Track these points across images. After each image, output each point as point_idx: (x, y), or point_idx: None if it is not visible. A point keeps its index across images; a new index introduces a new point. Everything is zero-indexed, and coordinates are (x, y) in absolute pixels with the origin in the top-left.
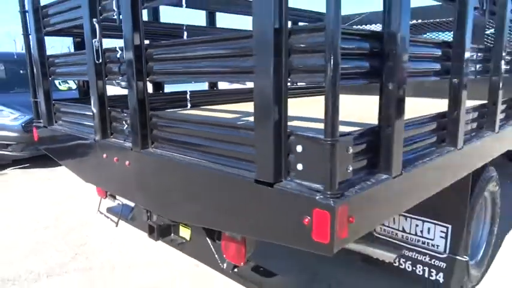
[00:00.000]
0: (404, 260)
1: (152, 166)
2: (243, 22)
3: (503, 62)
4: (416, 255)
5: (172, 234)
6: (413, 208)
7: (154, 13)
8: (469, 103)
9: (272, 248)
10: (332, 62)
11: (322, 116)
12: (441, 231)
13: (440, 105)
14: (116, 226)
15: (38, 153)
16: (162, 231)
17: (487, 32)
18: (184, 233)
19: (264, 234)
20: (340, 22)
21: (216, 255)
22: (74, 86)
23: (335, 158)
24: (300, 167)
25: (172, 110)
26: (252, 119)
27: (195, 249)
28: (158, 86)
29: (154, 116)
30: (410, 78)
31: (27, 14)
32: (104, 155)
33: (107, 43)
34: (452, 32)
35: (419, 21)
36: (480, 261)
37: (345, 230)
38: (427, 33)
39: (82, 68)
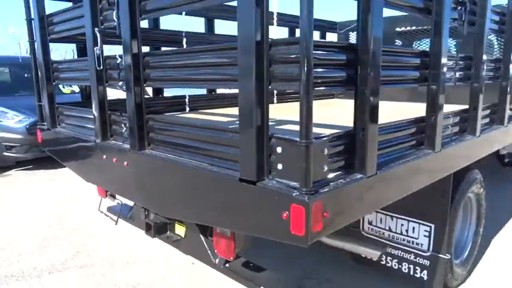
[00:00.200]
0: (390, 258)
1: (148, 166)
2: None
3: (483, 69)
4: (402, 253)
5: (168, 232)
6: (399, 208)
7: (155, 20)
8: (453, 107)
9: (264, 248)
10: (305, 72)
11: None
12: (425, 231)
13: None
14: (116, 224)
15: (41, 155)
16: (158, 229)
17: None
18: (180, 230)
19: (248, 228)
20: (313, 36)
21: (209, 251)
22: (77, 89)
23: (309, 159)
24: (280, 166)
25: (171, 113)
26: None
27: (190, 245)
28: (158, 91)
29: (151, 119)
30: (387, 85)
31: (33, 21)
32: (104, 156)
33: (109, 47)
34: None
35: (414, 28)
36: (465, 260)
37: (319, 224)
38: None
39: (84, 73)
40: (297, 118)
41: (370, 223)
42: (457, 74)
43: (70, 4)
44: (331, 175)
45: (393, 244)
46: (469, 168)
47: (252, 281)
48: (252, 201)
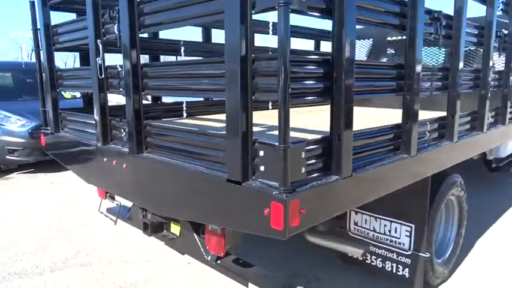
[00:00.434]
0: (375, 257)
1: (146, 169)
2: None
3: (460, 79)
4: (386, 252)
5: (164, 231)
6: (382, 209)
7: None
8: (434, 114)
9: (255, 248)
10: (282, 84)
11: (300, 125)
12: (406, 231)
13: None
14: (115, 224)
15: (43, 158)
16: (155, 228)
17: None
18: (175, 229)
19: (235, 224)
20: (289, 53)
21: (202, 249)
22: (78, 95)
23: (287, 161)
24: (262, 168)
25: (169, 119)
26: None
27: (184, 243)
28: (156, 97)
29: (148, 125)
30: (363, 95)
31: (38, 31)
32: (104, 159)
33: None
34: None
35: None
36: (448, 260)
37: (297, 219)
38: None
39: (87, 81)
40: (295, 123)
41: (356, 224)
42: (434, 84)
43: (74, 15)
44: (309, 176)
45: (377, 244)
46: (449, 171)
47: (242, 276)
48: (238, 199)
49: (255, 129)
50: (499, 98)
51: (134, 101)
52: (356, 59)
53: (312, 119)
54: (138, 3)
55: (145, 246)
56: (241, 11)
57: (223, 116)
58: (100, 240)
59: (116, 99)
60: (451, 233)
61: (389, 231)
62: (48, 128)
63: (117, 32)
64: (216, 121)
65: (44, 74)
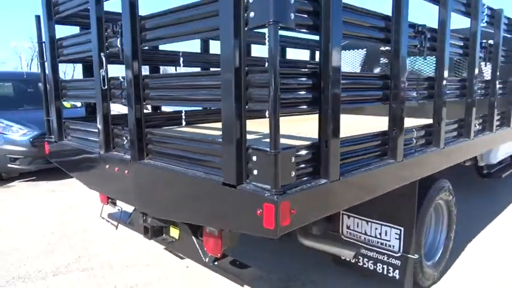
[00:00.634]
0: (367, 259)
1: (147, 174)
2: None
3: (445, 88)
4: (377, 255)
5: (164, 234)
6: (373, 213)
7: None
8: (421, 121)
9: (251, 252)
10: (272, 94)
11: (294, 132)
12: (395, 233)
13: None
14: (116, 229)
15: (44, 166)
16: (155, 232)
17: None
18: (174, 233)
19: (230, 225)
20: (278, 66)
21: (200, 251)
22: (78, 104)
23: (278, 165)
24: (255, 172)
25: (168, 127)
26: None
27: (183, 246)
28: (156, 107)
29: (149, 133)
30: (350, 104)
31: (44, 44)
32: (107, 166)
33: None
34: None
35: None
36: (437, 262)
37: (287, 219)
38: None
39: (90, 92)
40: (289, 130)
41: (348, 228)
42: (420, 93)
43: (77, 28)
44: (298, 179)
45: (369, 246)
46: (437, 177)
47: (238, 276)
48: (233, 201)
49: (251, 136)
50: (487, 106)
51: (136, 110)
52: (345, 70)
53: (306, 127)
54: (139, 19)
55: (145, 251)
56: (235, 27)
57: (220, 124)
58: (101, 245)
59: (116, 108)
60: (441, 237)
61: (380, 234)
62: (52, 136)
63: (119, 46)
64: (213, 129)
65: (48, 85)
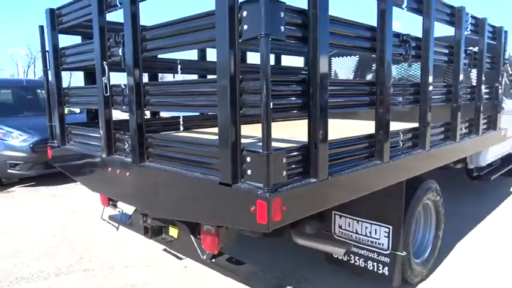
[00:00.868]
0: (358, 257)
1: (148, 176)
2: None
3: (430, 93)
4: (367, 253)
5: (163, 234)
6: (364, 213)
7: None
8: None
9: (246, 251)
10: (264, 100)
11: (287, 136)
12: (385, 232)
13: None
14: (117, 230)
15: (44, 172)
16: (154, 232)
17: None
18: (173, 232)
19: (227, 221)
20: (269, 74)
21: (198, 249)
22: (77, 111)
23: (270, 165)
24: (249, 172)
25: (167, 132)
26: None
27: (182, 245)
28: (155, 112)
29: (150, 137)
30: (337, 109)
31: (47, 53)
32: (109, 169)
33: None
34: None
35: None
36: (426, 260)
37: (279, 215)
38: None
39: (93, 98)
40: (283, 134)
41: (340, 227)
42: (406, 98)
43: (79, 37)
44: (290, 178)
45: (360, 245)
46: (424, 177)
47: (234, 272)
48: (229, 199)
49: (247, 140)
50: (473, 110)
51: (137, 115)
52: (341, 75)
53: (300, 131)
54: (141, 30)
55: (145, 252)
56: (230, 39)
57: (216, 130)
58: (102, 247)
59: (114, 114)
60: (429, 235)
61: (370, 232)
62: (55, 141)
63: (121, 55)
64: (210, 134)
65: (51, 92)
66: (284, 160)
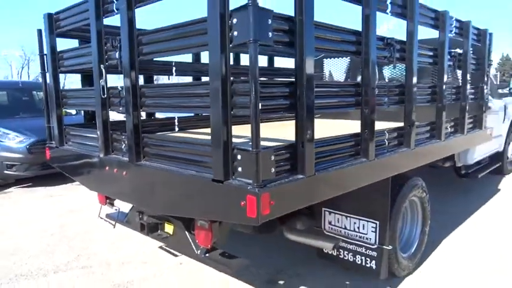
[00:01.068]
0: (347, 252)
1: (144, 174)
2: None
3: (414, 94)
4: (356, 247)
5: (159, 231)
6: (352, 209)
7: None
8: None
9: (239, 247)
10: (253, 101)
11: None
12: (372, 227)
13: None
14: (114, 228)
15: (40, 172)
16: (151, 228)
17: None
18: (168, 228)
19: (219, 216)
20: (258, 77)
21: (192, 245)
22: (73, 112)
23: (259, 163)
24: (240, 169)
25: (163, 133)
26: None
27: (177, 241)
28: (150, 113)
29: (146, 137)
30: (324, 109)
31: (45, 56)
32: (107, 168)
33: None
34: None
35: None
36: (413, 254)
37: (267, 209)
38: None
39: (90, 100)
40: (270, 135)
41: (330, 223)
42: (391, 99)
43: (76, 41)
44: (278, 175)
45: (349, 240)
46: (410, 175)
47: (227, 266)
48: (221, 195)
49: (239, 139)
50: (458, 110)
51: (133, 116)
52: (336, 75)
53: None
54: (137, 35)
55: (142, 249)
56: (222, 44)
57: (209, 130)
58: (100, 244)
59: (111, 115)
60: (416, 231)
61: (358, 228)
62: (53, 142)
63: (118, 58)
64: (204, 134)
65: (49, 94)
66: (272, 158)
